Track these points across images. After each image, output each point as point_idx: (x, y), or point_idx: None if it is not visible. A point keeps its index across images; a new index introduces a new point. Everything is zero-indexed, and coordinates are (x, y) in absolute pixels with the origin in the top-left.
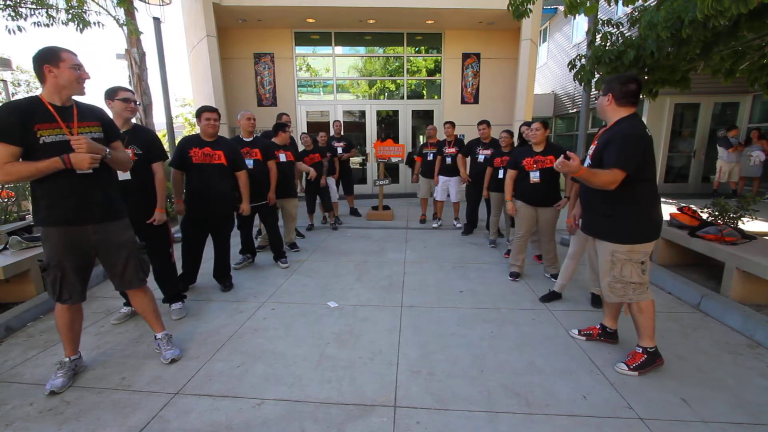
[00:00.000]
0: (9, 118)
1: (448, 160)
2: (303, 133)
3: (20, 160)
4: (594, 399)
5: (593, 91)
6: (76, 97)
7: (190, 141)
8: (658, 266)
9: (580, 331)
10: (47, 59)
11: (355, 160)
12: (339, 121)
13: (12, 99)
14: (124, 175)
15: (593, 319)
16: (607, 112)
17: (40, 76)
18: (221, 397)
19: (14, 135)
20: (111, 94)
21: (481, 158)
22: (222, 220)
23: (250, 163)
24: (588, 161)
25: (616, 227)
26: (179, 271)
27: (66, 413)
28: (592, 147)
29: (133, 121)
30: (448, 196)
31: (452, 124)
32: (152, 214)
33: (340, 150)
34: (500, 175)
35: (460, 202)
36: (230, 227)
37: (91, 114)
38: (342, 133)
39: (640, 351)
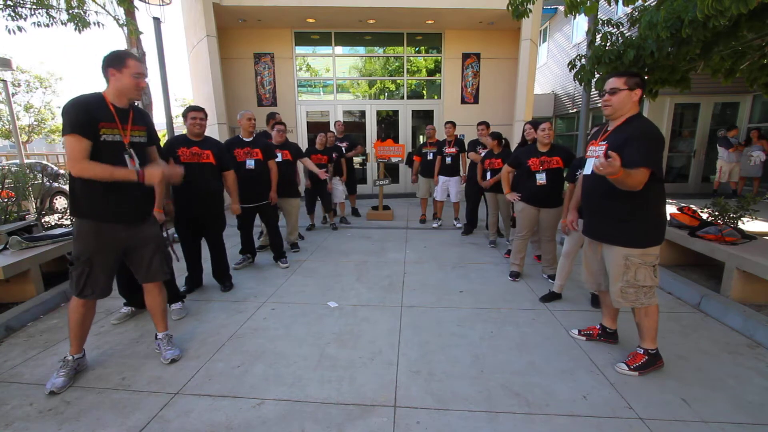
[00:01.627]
0: (85, 114)
1: (448, 159)
2: (321, 132)
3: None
4: (594, 399)
5: (593, 91)
6: None
7: (177, 141)
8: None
9: (580, 331)
10: (113, 62)
11: (355, 160)
12: (341, 121)
13: (12, 98)
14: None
15: (593, 319)
16: (628, 107)
17: (105, 77)
18: (221, 397)
19: (88, 130)
20: None
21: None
22: (212, 219)
23: (251, 163)
24: (599, 160)
25: (629, 231)
26: (182, 272)
27: (66, 413)
28: (597, 149)
29: None
30: (448, 196)
31: (453, 124)
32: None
33: (343, 149)
34: (488, 177)
35: (460, 202)
36: (221, 226)
37: (141, 119)
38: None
39: (642, 352)
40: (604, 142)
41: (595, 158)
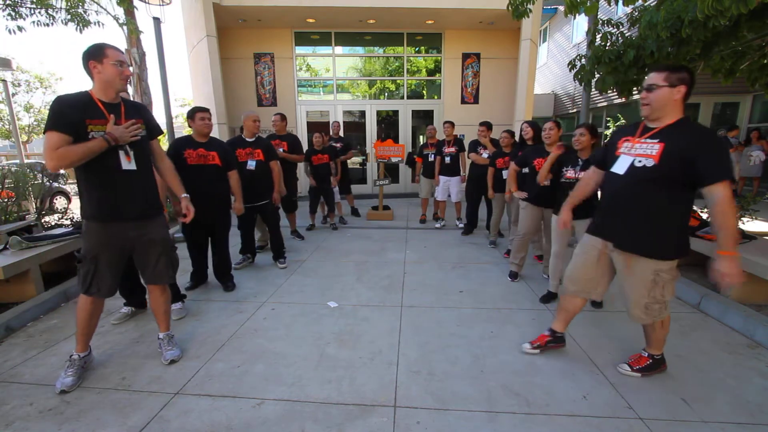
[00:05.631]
0: (67, 111)
1: (448, 159)
2: (317, 133)
3: None
4: (594, 399)
5: (593, 91)
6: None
7: (182, 142)
8: None
9: (531, 344)
10: (93, 55)
11: (355, 160)
12: (338, 121)
13: (12, 98)
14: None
15: (592, 319)
16: (671, 107)
17: (88, 72)
18: (221, 397)
19: (70, 127)
20: None
21: (484, 156)
22: (217, 220)
23: (252, 164)
24: (647, 161)
25: (663, 241)
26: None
27: (66, 413)
28: (640, 146)
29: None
30: (449, 196)
31: (452, 124)
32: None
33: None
34: (504, 177)
35: (461, 202)
36: (227, 227)
37: (135, 111)
38: (341, 134)
39: (647, 356)
40: (654, 140)
41: (635, 156)
